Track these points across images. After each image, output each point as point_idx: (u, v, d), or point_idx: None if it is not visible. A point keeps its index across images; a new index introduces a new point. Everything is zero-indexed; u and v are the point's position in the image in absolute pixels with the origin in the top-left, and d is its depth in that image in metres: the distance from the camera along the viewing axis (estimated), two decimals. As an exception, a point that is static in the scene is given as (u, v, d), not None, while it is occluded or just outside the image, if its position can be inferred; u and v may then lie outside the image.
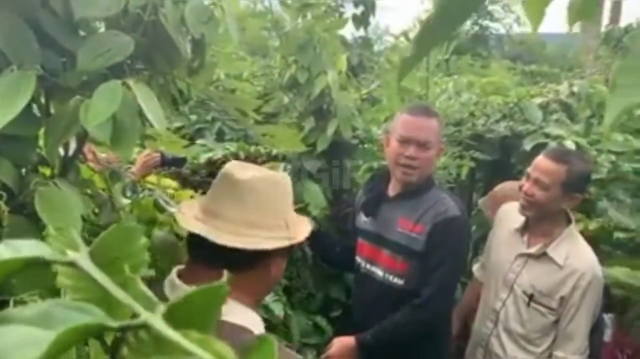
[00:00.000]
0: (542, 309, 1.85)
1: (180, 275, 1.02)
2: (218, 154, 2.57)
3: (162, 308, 0.31)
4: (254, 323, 1.00)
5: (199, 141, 2.94)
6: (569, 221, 1.89)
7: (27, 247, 0.31)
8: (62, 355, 0.27)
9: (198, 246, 1.01)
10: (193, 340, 0.28)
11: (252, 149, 2.68)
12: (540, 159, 1.85)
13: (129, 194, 1.12)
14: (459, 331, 2.27)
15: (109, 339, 0.61)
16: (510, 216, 2.01)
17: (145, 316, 0.29)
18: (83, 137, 1.05)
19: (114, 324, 0.28)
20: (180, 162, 2.40)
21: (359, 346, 1.81)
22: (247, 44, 3.29)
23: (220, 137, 3.66)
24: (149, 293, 0.33)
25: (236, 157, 2.57)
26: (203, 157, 2.54)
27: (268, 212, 1.03)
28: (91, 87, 0.87)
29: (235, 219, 1.00)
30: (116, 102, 0.82)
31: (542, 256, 1.87)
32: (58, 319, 0.27)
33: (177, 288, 0.99)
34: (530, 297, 1.87)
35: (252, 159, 2.62)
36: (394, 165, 1.85)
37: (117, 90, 0.82)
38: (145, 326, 0.29)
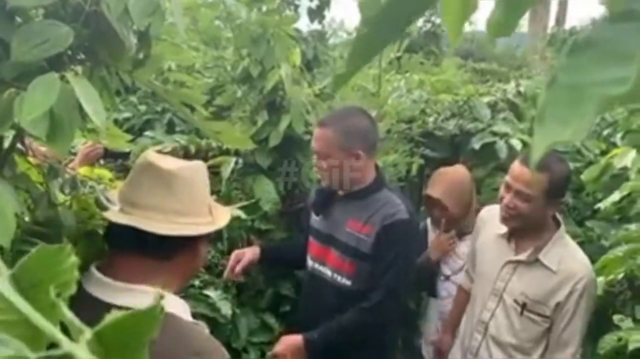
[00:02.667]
0: (535, 317, 1.76)
1: (100, 268, 1.01)
2: (167, 147, 2.50)
3: (87, 335, 0.29)
4: (183, 309, 1.03)
5: (147, 133, 2.86)
6: (557, 224, 1.81)
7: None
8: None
9: (121, 237, 1.01)
10: None
11: (203, 142, 2.62)
12: (519, 169, 1.73)
13: (67, 190, 1.07)
14: (448, 344, 2.19)
15: None
16: (493, 221, 1.90)
17: (67, 346, 0.27)
18: (20, 131, 1.00)
19: (34, 356, 0.27)
20: (125, 155, 2.32)
21: (306, 345, 1.80)
22: (199, 33, 3.21)
23: (170, 129, 3.57)
24: (74, 319, 0.31)
25: (186, 150, 2.51)
26: (151, 150, 2.46)
27: (194, 200, 1.06)
28: (27, 80, 0.82)
29: (163, 207, 1.02)
30: (53, 96, 0.77)
31: (534, 262, 1.77)
32: None
33: (104, 284, 0.99)
34: (523, 306, 1.77)
35: (203, 152, 2.57)
36: None
37: (54, 83, 0.78)
38: (68, 357, 0.28)
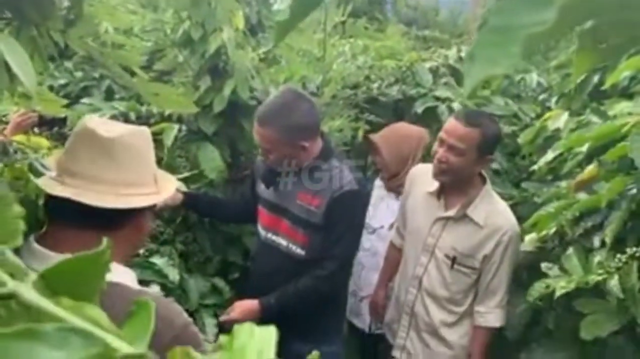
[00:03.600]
0: (465, 270, 1.86)
1: (38, 240, 0.97)
2: (106, 114, 2.42)
3: (32, 276, 0.29)
4: (131, 278, 1.01)
5: (84, 100, 2.74)
6: (483, 181, 1.88)
7: None
8: None
9: (60, 209, 0.97)
10: (66, 307, 0.27)
11: (144, 109, 2.55)
12: (454, 124, 1.78)
13: (-1, 157, 1.02)
14: (383, 300, 2.27)
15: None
16: (421, 179, 1.97)
17: (12, 284, 0.27)
18: (-59, 94, 0.94)
19: None
20: (61, 122, 2.21)
21: (262, 309, 1.82)
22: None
23: (109, 96, 3.44)
24: (20, 263, 0.30)
25: (126, 117, 2.43)
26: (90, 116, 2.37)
27: (138, 169, 1.02)
28: (-54, 38, 0.77)
29: (105, 178, 0.97)
30: (-23, 56, 0.73)
31: (462, 218, 1.85)
32: None
33: (42, 255, 0.94)
34: (453, 260, 1.86)
35: (144, 119, 2.49)
36: None
37: (-22, 42, 0.73)
38: (13, 296, 0.28)
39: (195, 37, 2.27)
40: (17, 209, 0.38)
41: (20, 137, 1.17)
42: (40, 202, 1.03)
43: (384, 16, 9.39)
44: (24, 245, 0.96)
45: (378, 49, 3.11)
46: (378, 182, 2.54)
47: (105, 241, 0.32)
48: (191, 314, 1.92)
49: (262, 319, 1.83)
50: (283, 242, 1.91)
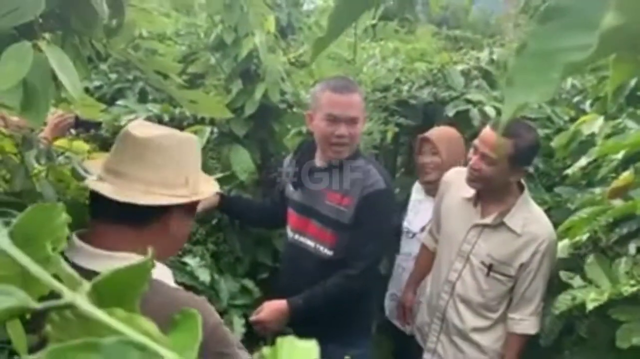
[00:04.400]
0: (501, 277, 1.84)
1: (81, 236, 1.03)
2: (140, 116, 2.47)
3: (86, 286, 0.31)
4: (167, 275, 1.06)
5: (119, 102, 2.81)
6: (521, 189, 1.87)
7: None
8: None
9: (99, 206, 1.03)
10: (119, 319, 0.29)
11: (177, 111, 2.60)
12: (488, 133, 1.78)
13: (42, 161, 1.06)
14: (411, 301, 2.28)
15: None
16: (457, 184, 1.96)
17: (69, 296, 0.29)
18: (-10, 101, 0.98)
19: (38, 306, 0.29)
20: (97, 124, 2.28)
21: (290, 309, 1.83)
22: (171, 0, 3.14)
23: (143, 97, 3.51)
24: (72, 271, 0.32)
25: (159, 120, 2.48)
26: (124, 119, 2.43)
27: (167, 170, 1.05)
28: (-2, 48, 0.80)
29: (137, 177, 1.03)
30: (26, 66, 0.76)
31: (499, 225, 1.84)
32: None
33: (86, 252, 1.00)
34: (489, 267, 1.85)
35: (177, 122, 2.54)
36: (325, 144, 1.84)
37: (28, 52, 0.77)
38: (69, 306, 0.29)
39: (227, 41, 2.30)
40: (64, 216, 0.41)
41: (62, 142, 1.21)
42: (85, 202, 1.07)
43: (415, 16, 9.33)
44: (68, 241, 1.01)
45: (409, 52, 3.10)
46: (417, 186, 2.52)
47: (150, 251, 0.34)
48: (221, 314, 1.96)
49: (290, 319, 1.85)
50: (310, 243, 1.92)
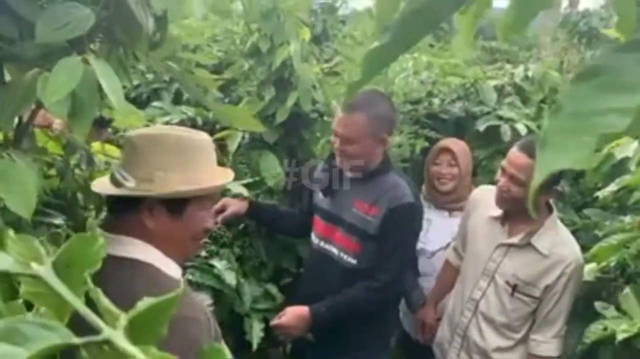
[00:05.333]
0: (525, 298, 1.84)
1: (101, 225, 1.16)
2: (175, 118, 2.54)
3: (123, 321, 0.33)
4: (165, 263, 1.11)
5: (155, 103, 2.88)
6: (550, 210, 1.86)
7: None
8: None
9: (109, 200, 1.16)
10: (153, 357, 0.31)
11: (211, 115, 2.65)
12: (516, 154, 1.79)
13: (83, 165, 1.11)
14: (432, 318, 2.25)
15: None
16: (485, 202, 1.96)
17: (107, 332, 0.31)
18: (39, 105, 1.04)
19: (79, 341, 0.31)
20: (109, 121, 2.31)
21: (312, 316, 1.85)
22: (210, 5, 3.21)
23: (177, 98, 3.59)
24: (111, 306, 0.35)
25: (193, 123, 2.54)
26: (160, 121, 2.49)
27: (134, 167, 1.11)
28: (49, 60, 0.85)
29: (115, 172, 1.10)
30: (76, 79, 0.81)
31: (526, 245, 1.83)
32: (26, 336, 0.29)
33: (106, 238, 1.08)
34: (514, 287, 1.84)
35: (210, 125, 2.60)
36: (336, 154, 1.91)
37: (78, 66, 0.82)
38: (107, 342, 0.32)
39: (263, 48, 2.35)
40: (101, 243, 0.43)
41: (96, 145, 1.27)
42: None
43: (451, 26, 9.27)
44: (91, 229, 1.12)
45: (442, 66, 3.10)
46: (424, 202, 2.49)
47: (173, 295, 0.36)
48: (242, 317, 1.99)
49: (311, 326, 1.87)
50: (334, 251, 1.94)
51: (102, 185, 1.12)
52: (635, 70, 0.34)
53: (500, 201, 1.85)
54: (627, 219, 1.87)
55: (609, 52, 0.36)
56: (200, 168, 1.14)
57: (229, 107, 1.20)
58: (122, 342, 0.31)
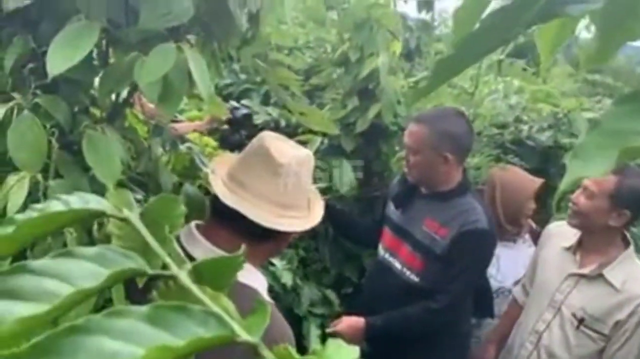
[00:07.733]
0: (592, 334, 1.74)
1: (198, 227, 1.09)
2: (260, 118, 2.63)
3: (188, 265, 0.39)
4: (260, 283, 1.10)
5: (243, 102, 3.00)
6: (627, 244, 1.78)
7: (94, 202, 0.41)
8: (113, 286, 0.36)
9: (222, 210, 1.07)
10: (208, 295, 0.36)
11: (294, 118, 2.72)
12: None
13: (167, 147, 1.18)
14: (492, 356, 2.15)
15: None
16: (559, 235, 1.92)
17: (175, 270, 0.37)
18: (134, 88, 1.12)
19: (151, 271, 0.37)
20: (249, 118, 2.45)
21: (367, 328, 1.84)
22: (307, 10, 3.30)
23: (266, 99, 3.72)
24: (180, 252, 0.41)
25: (276, 124, 2.61)
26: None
27: (297, 195, 1.09)
28: (149, 45, 0.93)
29: (269, 196, 1.06)
30: (169, 64, 0.87)
31: (597, 277, 1.75)
32: (110, 260, 0.36)
33: (195, 240, 1.08)
34: (581, 321, 1.75)
35: (292, 128, 2.66)
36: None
37: (172, 52, 0.88)
38: (173, 278, 0.37)
39: (352, 58, 2.38)
40: (182, 208, 0.48)
41: (193, 136, 1.34)
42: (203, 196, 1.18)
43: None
44: (185, 227, 1.10)
45: (534, 92, 2.99)
46: None
47: (242, 248, 0.41)
48: (300, 320, 2.02)
49: (366, 338, 1.86)
50: (398, 265, 1.92)
51: (251, 210, 1.03)
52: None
53: (570, 215, 1.80)
54: None
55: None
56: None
57: (309, 109, 1.24)
58: (186, 280, 0.36)
